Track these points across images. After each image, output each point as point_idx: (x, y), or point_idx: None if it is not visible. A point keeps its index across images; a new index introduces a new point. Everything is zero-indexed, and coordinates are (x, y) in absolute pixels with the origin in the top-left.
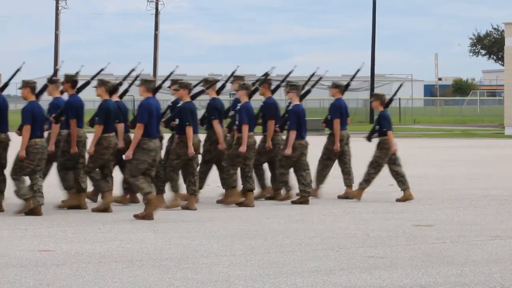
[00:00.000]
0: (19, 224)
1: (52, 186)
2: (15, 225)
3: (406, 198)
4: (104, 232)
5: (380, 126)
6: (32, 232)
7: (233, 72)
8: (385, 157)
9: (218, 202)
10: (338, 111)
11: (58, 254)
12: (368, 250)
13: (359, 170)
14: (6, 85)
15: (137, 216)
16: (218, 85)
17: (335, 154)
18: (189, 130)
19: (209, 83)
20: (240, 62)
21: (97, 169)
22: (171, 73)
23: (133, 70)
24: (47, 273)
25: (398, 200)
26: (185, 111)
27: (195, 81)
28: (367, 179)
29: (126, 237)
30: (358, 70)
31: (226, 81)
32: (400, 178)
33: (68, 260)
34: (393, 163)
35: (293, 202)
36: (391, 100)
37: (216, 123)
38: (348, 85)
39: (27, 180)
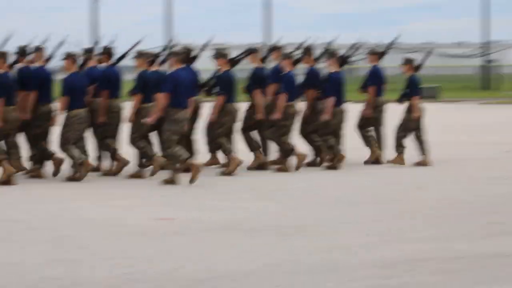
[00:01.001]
0: (139, 194)
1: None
2: (134, 195)
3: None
4: (224, 201)
5: (410, 90)
6: (151, 201)
7: (250, 50)
8: (413, 121)
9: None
10: (375, 78)
11: (178, 223)
12: (489, 216)
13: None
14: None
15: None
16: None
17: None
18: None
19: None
20: (350, 30)
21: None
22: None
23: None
24: (167, 242)
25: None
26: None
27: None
28: (398, 143)
29: (245, 205)
30: (395, 40)
31: (243, 57)
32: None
33: (188, 228)
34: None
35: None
36: (420, 65)
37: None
38: (384, 52)
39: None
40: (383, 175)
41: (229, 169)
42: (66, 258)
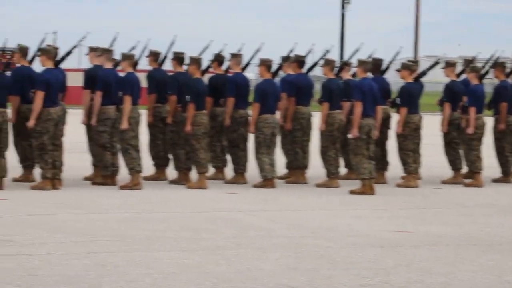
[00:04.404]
0: (379, 205)
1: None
2: (375, 206)
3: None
4: (465, 215)
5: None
6: (392, 213)
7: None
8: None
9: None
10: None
11: (417, 236)
12: None
13: None
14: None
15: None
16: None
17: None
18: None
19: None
20: None
21: None
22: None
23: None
24: (406, 254)
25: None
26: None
27: None
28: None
29: (485, 221)
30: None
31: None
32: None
33: (427, 241)
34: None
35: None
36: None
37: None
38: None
39: None
40: None
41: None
42: (304, 266)
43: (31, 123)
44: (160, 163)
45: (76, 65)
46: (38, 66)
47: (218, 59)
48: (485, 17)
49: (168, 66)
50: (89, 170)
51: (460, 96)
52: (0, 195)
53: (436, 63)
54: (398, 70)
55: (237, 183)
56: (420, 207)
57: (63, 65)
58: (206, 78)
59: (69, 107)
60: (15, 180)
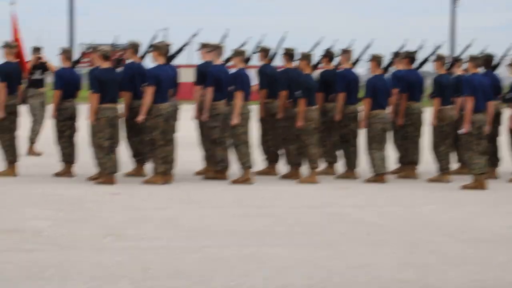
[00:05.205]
0: (491, 200)
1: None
2: (487, 201)
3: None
4: None
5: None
6: (504, 209)
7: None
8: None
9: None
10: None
11: None
12: None
13: None
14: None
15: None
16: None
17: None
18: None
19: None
20: None
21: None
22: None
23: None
24: None
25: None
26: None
27: None
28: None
29: None
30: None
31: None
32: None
33: None
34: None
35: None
36: (498, 64)
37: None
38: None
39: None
40: None
41: None
42: (416, 261)
43: (140, 118)
44: (271, 158)
45: (187, 61)
46: (149, 63)
47: (329, 55)
48: None
49: (278, 62)
50: (200, 165)
51: None
52: (113, 189)
53: None
54: (509, 65)
55: (348, 178)
56: None
57: (174, 62)
58: (316, 74)
59: (181, 103)
60: (127, 174)
